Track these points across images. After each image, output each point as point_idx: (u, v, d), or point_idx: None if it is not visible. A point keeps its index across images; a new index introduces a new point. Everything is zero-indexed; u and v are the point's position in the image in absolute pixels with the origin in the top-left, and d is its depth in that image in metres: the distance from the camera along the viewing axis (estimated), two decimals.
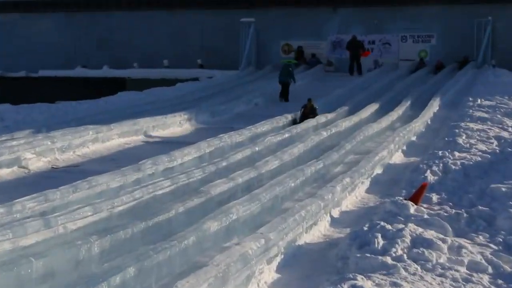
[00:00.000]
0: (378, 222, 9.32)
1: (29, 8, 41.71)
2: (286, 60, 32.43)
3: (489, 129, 18.62)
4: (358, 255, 8.07)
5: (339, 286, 6.67)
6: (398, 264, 7.72)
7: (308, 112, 21.56)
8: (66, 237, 8.44)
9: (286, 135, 17.96)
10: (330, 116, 21.91)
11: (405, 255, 8.13)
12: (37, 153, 15.26)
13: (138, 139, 18.87)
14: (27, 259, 6.93)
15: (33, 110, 23.45)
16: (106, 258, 7.85)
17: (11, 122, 20.54)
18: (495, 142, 16.85)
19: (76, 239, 8.03)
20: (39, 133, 17.16)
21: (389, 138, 17.50)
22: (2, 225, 8.39)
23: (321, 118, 21.15)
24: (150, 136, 19.46)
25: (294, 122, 21.26)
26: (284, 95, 28.45)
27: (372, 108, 23.67)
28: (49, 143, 15.86)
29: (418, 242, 8.56)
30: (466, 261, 8.12)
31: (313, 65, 36.12)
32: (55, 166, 14.98)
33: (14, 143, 15.22)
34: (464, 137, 17.13)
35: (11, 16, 42.01)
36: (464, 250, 8.47)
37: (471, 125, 18.97)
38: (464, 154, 15.15)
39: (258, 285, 7.44)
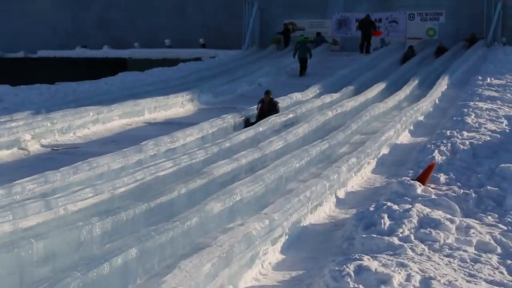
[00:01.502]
0: (385, 202, 9.32)
1: None
2: (303, 37, 33.02)
3: (498, 108, 18.51)
4: (364, 235, 8.08)
5: (345, 266, 6.67)
6: (405, 245, 7.71)
7: (267, 109, 17.55)
8: (67, 218, 8.49)
9: (291, 115, 17.93)
10: (335, 96, 21.78)
11: (412, 235, 8.12)
12: (37, 134, 15.31)
13: (140, 120, 18.86)
14: (28, 241, 6.99)
15: (32, 91, 23.44)
16: (107, 239, 7.90)
17: (10, 103, 20.54)
18: (505, 122, 16.76)
19: (77, 221, 8.09)
20: (38, 115, 17.18)
21: (396, 118, 17.45)
22: (2, 207, 8.44)
23: (326, 98, 21.02)
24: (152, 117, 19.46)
25: (247, 123, 17.18)
26: (303, 69, 29.85)
27: (379, 87, 23.57)
28: (49, 124, 15.89)
29: (425, 222, 8.55)
30: (474, 241, 8.11)
31: (319, 44, 35.65)
32: (55, 148, 15.00)
33: (13, 124, 15.25)
34: (473, 117, 17.02)
35: None
36: (472, 231, 8.45)
37: (480, 104, 18.86)
38: (473, 134, 15.06)
39: (262, 266, 7.48)
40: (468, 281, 6.81)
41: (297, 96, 21.43)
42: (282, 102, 20.05)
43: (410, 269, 6.77)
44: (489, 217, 9.32)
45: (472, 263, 7.47)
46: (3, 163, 13.51)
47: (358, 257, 6.99)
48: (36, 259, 6.94)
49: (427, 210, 9.00)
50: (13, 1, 41.54)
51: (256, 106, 17.88)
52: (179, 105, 21.19)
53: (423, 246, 7.79)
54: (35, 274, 6.73)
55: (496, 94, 20.67)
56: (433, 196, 10.00)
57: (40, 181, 10.04)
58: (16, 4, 41.37)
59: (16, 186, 9.55)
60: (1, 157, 13.92)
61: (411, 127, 17.37)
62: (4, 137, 14.41)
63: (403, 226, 8.35)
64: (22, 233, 7.74)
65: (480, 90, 21.30)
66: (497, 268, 7.38)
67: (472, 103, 19.00)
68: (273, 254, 7.90)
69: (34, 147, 14.85)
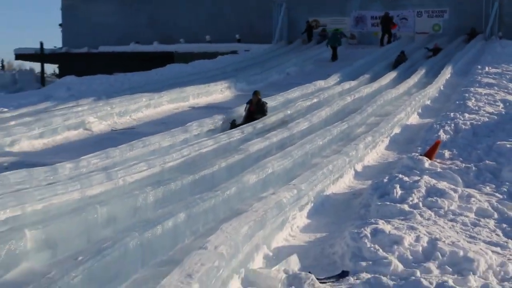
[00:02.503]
0: (397, 175, 9.28)
1: None
2: (334, 29, 33.02)
3: (495, 93, 18.26)
4: (379, 203, 8.08)
5: (362, 229, 6.68)
6: (414, 211, 7.71)
7: (254, 110, 14.57)
8: (125, 188, 8.63)
9: (315, 100, 17.89)
10: (353, 83, 21.62)
11: (420, 203, 8.10)
12: (99, 117, 15.42)
13: (185, 104, 18.89)
14: (93, 207, 7.13)
15: (94, 81, 23.56)
16: (159, 206, 7.99)
17: (76, 91, 20.67)
18: (501, 105, 16.53)
19: (133, 190, 8.21)
20: (100, 101, 17.28)
21: (406, 102, 17.24)
22: (71, 178, 8.57)
23: (345, 85, 20.91)
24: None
25: (233, 125, 14.27)
26: (334, 55, 30.57)
27: (391, 76, 23.26)
28: (109, 108, 16.02)
29: (432, 192, 8.52)
30: (474, 208, 8.09)
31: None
32: (114, 129, 15.11)
33: (79, 109, 15.39)
34: (473, 101, 16.81)
35: (72, 3, 42.16)
36: (472, 199, 8.42)
37: (480, 90, 18.60)
38: (473, 116, 14.90)
39: (291, 229, 7.50)
40: (469, 242, 6.80)
41: (320, 83, 21.24)
42: (307, 88, 19.98)
43: (419, 231, 6.77)
44: (487, 187, 9.26)
45: (472, 227, 7.49)
46: (72, 142, 13.65)
47: (373, 221, 7.00)
48: (100, 222, 7.09)
49: (434, 181, 8.97)
50: (77, 6, 41.78)
51: (244, 106, 15.09)
52: (218, 92, 21.15)
53: (430, 212, 7.78)
54: (99, 235, 6.86)
55: (493, 81, 20.38)
56: (438, 169, 9.94)
57: (102, 157, 10.16)
58: (79, 8, 41.62)
59: (82, 160, 9.68)
60: (70, 137, 14.07)
61: (419, 110, 17.19)
62: (72, 119, 14.57)
63: (413, 195, 8.34)
64: (88, 200, 7.88)
65: (479, 77, 21.02)
66: (494, 231, 7.41)
67: (472, 89, 18.74)
68: (301, 218, 7.91)
69: (96, 128, 14.96)
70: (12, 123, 13.52)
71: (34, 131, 13.36)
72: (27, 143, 12.93)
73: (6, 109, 16.77)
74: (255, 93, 14.80)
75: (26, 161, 11.44)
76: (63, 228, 6.57)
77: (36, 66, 42.07)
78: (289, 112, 15.95)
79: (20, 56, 42.62)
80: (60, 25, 42.76)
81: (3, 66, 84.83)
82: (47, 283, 4.71)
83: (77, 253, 5.59)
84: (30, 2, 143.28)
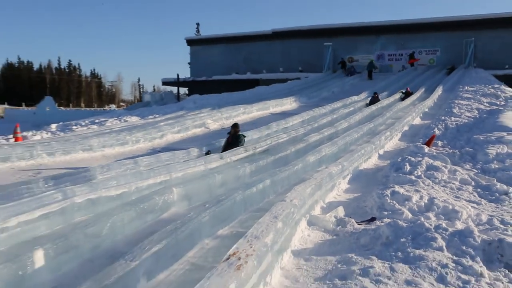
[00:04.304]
0: (406, 156, 9.08)
1: (206, 42, 42.51)
2: (370, 60, 32.88)
3: (472, 104, 17.53)
4: (395, 175, 7.93)
5: (384, 191, 6.59)
6: (419, 180, 7.54)
7: (232, 142, 10.16)
8: (231, 164, 8.78)
9: (351, 109, 17.69)
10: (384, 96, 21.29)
11: (422, 174, 7.91)
12: (213, 120, 15.78)
13: (267, 112, 19.02)
14: (213, 175, 7.29)
15: (210, 97, 24.08)
16: (253, 175, 8.10)
17: (199, 104, 21.22)
18: (476, 111, 15.92)
19: (237, 165, 8.36)
20: (214, 110, 17.68)
21: (411, 110, 16.79)
22: (198, 157, 8.82)
23: (371, 99, 20.46)
24: (273, 111, 19.60)
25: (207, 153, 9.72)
26: (370, 76, 30.77)
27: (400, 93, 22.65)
28: (219, 114, 16.36)
29: (430, 167, 8.31)
30: (458, 178, 7.85)
31: (352, 73, 33.52)
32: (223, 127, 15.41)
33: (201, 115, 15.80)
34: (457, 109, 16.27)
35: (196, 48, 42.98)
36: (457, 172, 8.15)
37: (461, 101, 17.93)
38: (457, 118, 14.48)
39: (338, 190, 7.46)
40: (455, 200, 6.64)
41: (353, 98, 20.99)
42: (346, 101, 19.68)
43: (422, 193, 6.62)
44: (467, 165, 8.94)
45: (457, 190, 7.30)
46: (197, 135, 14.02)
47: (391, 186, 6.89)
48: (217, 184, 7.23)
49: (431, 161, 8.72)
50: (199, 50, 42.45)
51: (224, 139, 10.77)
52: (288, 104, 21.16)
53: (429, 180, 7.58)
54: (217, 192, 6.99)
55: (470, 96, 19.51)
56: (434, 153, 9.64)
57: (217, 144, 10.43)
58: (201, 52, 42.24)
59: (204, 147, 9.97)
60: (196, 132, 14.45)
61: (421, 115, 16.69)
62: (197, 121, 14.97)
63: (417, 169, 8.14)
64: (209, 171, 8.07)
65: (461, 93, 20.17)
66: (471, 193, 7.20)
67: (456, 101, 18.06)
68: (344, 184, 7.85)
69: (212, 126, 15.31)
70: (161, 124, 14.04)
71: (174, 128, 13.82)
72: (171, 136, 13.39)
73: (157, 115, 17.42)
74: (234, 125, 10.47)
75: (171, 147, 11.88)
76: (195, 188, 6.73)
77: (174, 89, 43.13)
78: (334, 116, 15.83)
79: (164, 83, 43.85)
80: (188, 63, 43.62)
81: (154, 89, 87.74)
82: (187, 220, 4.91)
83: (204, 203, 5.73)
84: (171, 51, 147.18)
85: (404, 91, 21.84)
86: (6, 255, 4.07)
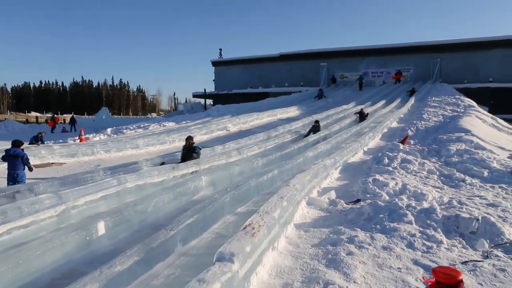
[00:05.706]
0: (385, 152, 9.04)
1: (227, 63, 42.56)
2: (358, 75, 32.16)
3: (438, 111, 17.25)
4: (376, 166, 7.91)
5: (367, 178, 6.61)
6: (395, 170, 7.51)
7: (187, 153, 8.22)
8: (247, 158, 8.83)
9: (342, 115, 17.59)
10: (361, 106, 20.81)
11: (398, 166, 7.88)
12: (233, 124, 15.82)
13: (275, 118, 19.00)
14: (232, 166, 7.35)
15: (230, 107, 24.06)
16: (264, 166, 8.13)
17: (222, 112, 21.21)
18: (441, 117, 15.65)
19: (251, 159, 8.41)
20: (233, 116, 17.72)
21: (390, 115, 16.65)
22: (221, 154, 8.88)
23: (357, 107, 20.30)
24: (280, 118, 19.58)
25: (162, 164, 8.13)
26: (360, 88, 30.17)
27: (381, 103, 22.35)
28: (238, 120, 16.39)
29: (404, 161, 8.27)
30: (426, 169, 7.81)
31: (320, 96, 29.91)
32: (240, 130, 15.36)
33: (223, 120, 15.86)
34: (426, 115, 16.03)
35: (219, 68, 42.97)
36: (426, 164, 8.11)
37: (430, 109, 17.67)
38: (426, 122, 14.27)
39: (331, 178, 7.46)
40: (423, 185, 6.60)
41: (344, 106, 20.87)
42: (337, 109, 19.52)
43: (397, 180, 6.62)
44: (433, 159, 8.86)
45: (425, 178, 7.25)
46: (220, 137, 14.01)
47: (373, 175, 6.90)
48: (236, 174, 7.30)
49: (405, 155, 8.68)
50: (220, 71, 42.50)
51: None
52: (292, 112, 21.08)
53: (403, 171, 7.56)
54: (236, 179, 7.07)
55: (437, 105, 19.19)
56: (407, 150, 9.59)
57: (235, 143, 10.48)
58: (224, 71, 42.25)
59: (226, 145, 10.04)
60: (219, 134, 14.46)
61: (397, 120, 16.53)
62: (220, 125, 15.02)
63: (394, 162, 8.11)
64: (230, 163, 8.11)
65: (429, 103, 19.86)
66: (436, 181, 7.14)
67: (425, 108, 17.80)
68: (335, 174, 7.86)
69: (232, 130, 15.34)
70: (192, 128, 14.14)
71: (202, 131, 13.91)
72: (199, 137, 13.43)
73: (189, 121, 17.50)
74: (188, 138, 8.44)
75: (200, 145, 11.95)
76: (219, 176, 6.81)
77: (202, 100, 43.29)
78: (329, 121, 15.78)
79: (194, 95, 43.78)
80: (213, 80, 43.75)
81: (186, 101, 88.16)
82: (213, 200, 5.01)
83: (226, 187, 5.81)
84: (200, 70, 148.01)
85: (358, 112, 17.16)
86: (77, 226, 4.23)
